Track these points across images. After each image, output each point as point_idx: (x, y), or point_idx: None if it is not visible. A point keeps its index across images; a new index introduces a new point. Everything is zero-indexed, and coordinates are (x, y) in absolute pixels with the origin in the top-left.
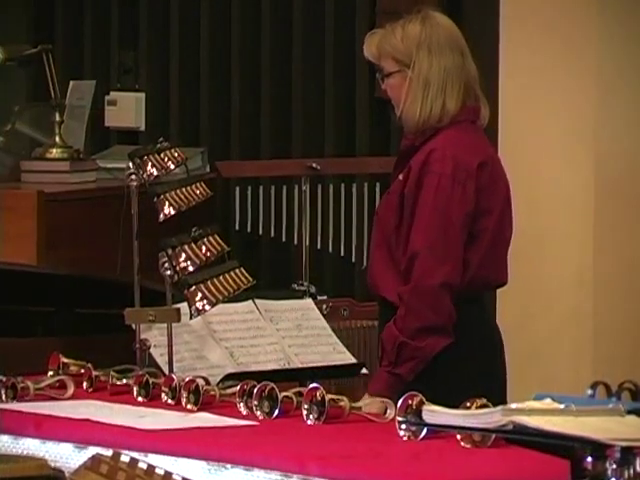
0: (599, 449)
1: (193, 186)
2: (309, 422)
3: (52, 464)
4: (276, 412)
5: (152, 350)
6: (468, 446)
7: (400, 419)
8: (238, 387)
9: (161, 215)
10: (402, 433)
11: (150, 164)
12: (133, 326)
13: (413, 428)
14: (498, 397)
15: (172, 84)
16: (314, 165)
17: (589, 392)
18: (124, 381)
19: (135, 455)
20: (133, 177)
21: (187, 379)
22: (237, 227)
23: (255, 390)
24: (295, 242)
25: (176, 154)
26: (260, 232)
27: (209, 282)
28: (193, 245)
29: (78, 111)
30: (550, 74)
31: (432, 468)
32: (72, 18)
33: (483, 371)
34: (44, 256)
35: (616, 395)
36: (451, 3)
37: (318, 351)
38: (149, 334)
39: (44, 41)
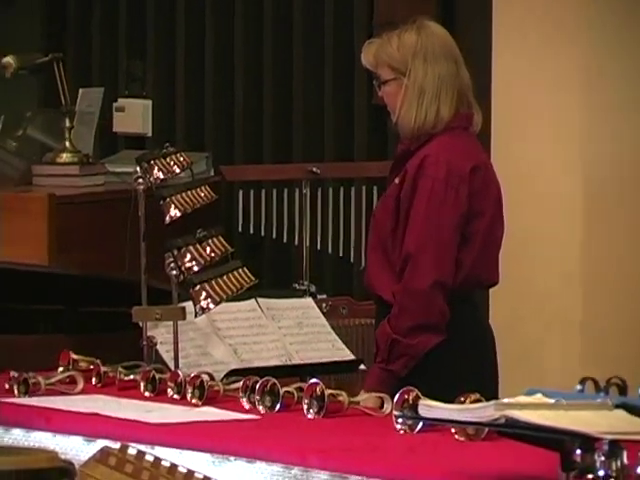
0: (588, 442)
1: (198, 189)
2: (309, 416)
3: (62, 456)
4: (278, 406)
5: (158, 347)
6: (462, 439)
7: (397, 413)
8: (241, 382)
9: (167, 217)
10: (399, 427)
11: (157, 168)
12: (140, 324)
13: (409, 422)
14: (490, 394)
15: (178, 91)
16: (314, 169)
17: (578, 387)
18: (132, 377)
19: (142, 448)
20: (140, 181)
21: (192, 375)
22: (240, 229)
23: (257, 385)
24: (296, 243)
25: (182, 158)
26: (262, 233)
27: (213, 281)
28: (198, 246)
29: (87, 117)
30: (542, 83)
31: (427, 460)
32: (82, 28)
33: (475, 369)
34: (55, 256)
35: (604, 390)
36: (445, 13)
37: (318, 348)
38: (156, 331)
39: (55, 50)
